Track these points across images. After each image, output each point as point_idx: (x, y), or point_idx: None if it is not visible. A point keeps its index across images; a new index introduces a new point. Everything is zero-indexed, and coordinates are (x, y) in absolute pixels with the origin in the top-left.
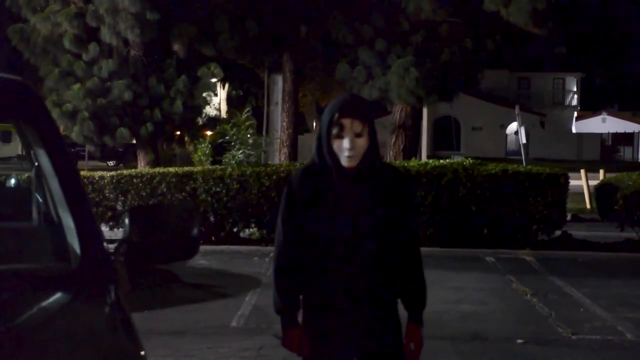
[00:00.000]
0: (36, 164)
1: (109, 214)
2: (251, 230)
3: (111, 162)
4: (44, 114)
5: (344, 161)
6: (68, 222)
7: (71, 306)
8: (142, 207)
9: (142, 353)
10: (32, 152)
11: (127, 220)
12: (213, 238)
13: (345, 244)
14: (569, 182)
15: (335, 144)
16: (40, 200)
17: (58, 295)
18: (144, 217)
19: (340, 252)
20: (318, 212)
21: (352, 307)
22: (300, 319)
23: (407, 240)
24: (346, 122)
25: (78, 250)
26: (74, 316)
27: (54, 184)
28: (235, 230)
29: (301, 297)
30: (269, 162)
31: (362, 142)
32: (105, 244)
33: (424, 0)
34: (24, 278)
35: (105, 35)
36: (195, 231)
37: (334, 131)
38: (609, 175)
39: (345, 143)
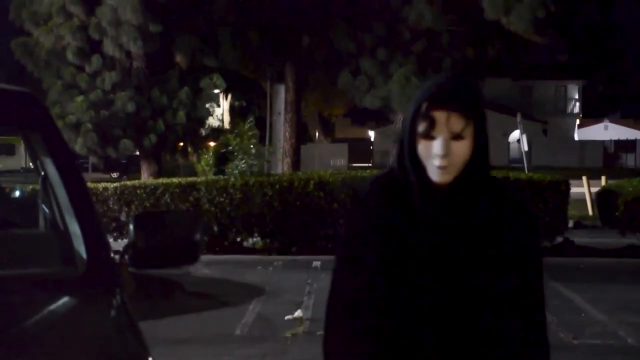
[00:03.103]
0: (42, 173)
1: (113, 224)
2: (254, 239)
3: (115, 174)
4: (50, 124)
5: (433, 174)
6: (75, 229)
7: (78, 309)
8: (147, 213)
9: (150, 359)
10: (38, 162)
11: (132, 226)
12: (217, 248)
13: (435, 317)
14: (570, 189)
15: (422, 147)
16: (47, 209)
17: (66, 299)
18: (148, 223)
19: (428, 330)
20: (392, 260)
21: None
22: None
23: (530, 309)
24: (439, 115)
25: (84, 255)
26: (81, 319)
27: (60, 192)
28: (238, 239)
29: None
30: (272, 172)
31: (463, 147)
32: (110, 248)
33: (425, 10)
34: (33, 282)
35: (108, 47)
36: (198, 237)
37: (421, 128)
38: (610, 182)
39: (436, 147)
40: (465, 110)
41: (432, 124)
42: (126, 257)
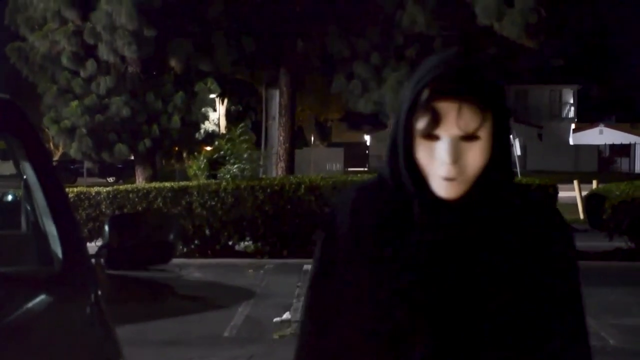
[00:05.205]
0: (25, 177)
1: None
2: (246, 243)
3: (111, 179)
4: (29, 129)
5: (438, 186)
6: (52, 230)
7: (53, 308)
8: (122, 215)
9: None
10: (20, 166)
11: (107, 227)
12: (209, 252)
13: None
14: (558, 193)
15: (422, 150)
16: (29, 212)
17: (42, 296)
18: (123, 225)
19: None
20: (382, 287)
21: None
22: None
23: (571, 342)
24: (447, 107)
25: (61, 255)
26: (55, 317)
27: (39, 194)
28: (230, 243)
29: None
30: (264, 176)
31: (477, 151)
32: (87, 249)
33: (418, 14)
34: (10, 281)
35: (103, 52)
36: (171, 237)
37: (421, 124)
38: (600, 186)
39: (442, 150)
40: (484, 100)
41: (436, 118)
42: (101, 257)
